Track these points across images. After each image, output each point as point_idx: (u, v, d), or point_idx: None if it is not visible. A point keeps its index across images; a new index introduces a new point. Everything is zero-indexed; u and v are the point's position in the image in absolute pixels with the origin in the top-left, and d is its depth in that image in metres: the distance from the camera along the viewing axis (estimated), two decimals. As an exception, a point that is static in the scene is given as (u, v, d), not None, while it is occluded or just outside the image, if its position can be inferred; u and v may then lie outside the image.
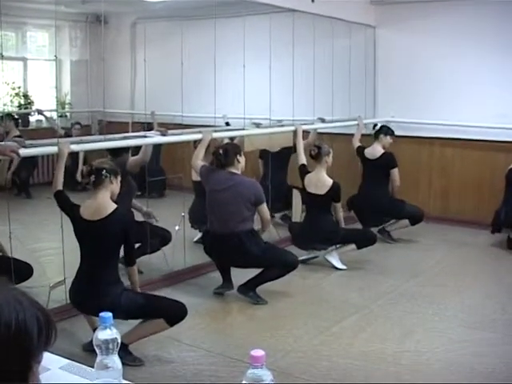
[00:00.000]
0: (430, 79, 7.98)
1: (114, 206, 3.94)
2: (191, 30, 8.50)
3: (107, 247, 3.93)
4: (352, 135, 7.49)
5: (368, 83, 8.32)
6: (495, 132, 7.48)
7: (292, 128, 6.84)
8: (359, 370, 4.00)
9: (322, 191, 6.04)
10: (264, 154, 7.50)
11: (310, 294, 5.53)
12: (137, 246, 5.38)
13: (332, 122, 7.75)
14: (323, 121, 7.67)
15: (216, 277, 5.50)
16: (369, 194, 7.01)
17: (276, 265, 5.16)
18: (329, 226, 6.09)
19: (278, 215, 7.64)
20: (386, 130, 7.22)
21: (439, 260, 6.53)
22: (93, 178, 3.97)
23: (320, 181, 6.06)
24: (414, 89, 8.05)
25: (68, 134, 9.11)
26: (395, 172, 7.02)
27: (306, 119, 7.51)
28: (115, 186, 4.03)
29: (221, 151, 5.18)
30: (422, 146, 8.13)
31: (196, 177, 5.99)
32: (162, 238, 5.68)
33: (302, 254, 6.25)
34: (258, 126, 7.32)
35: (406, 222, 7.05)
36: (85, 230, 3.97)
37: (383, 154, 7.06)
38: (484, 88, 7.56)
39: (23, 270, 4.67)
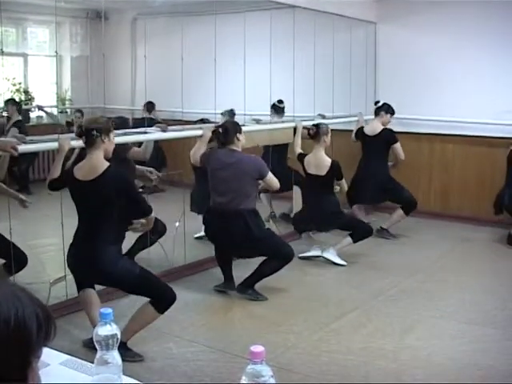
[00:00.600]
0: (431, 75, 7.97)
1: (107, 164, 3.84)
2: (191, 26, 8.49)
3: (102, 207, 3.87)
4: (352, 131, 7.51)
5: (369, 79, 8.31)
6: (496, 128, 7.48)
7: (292, 124, 6.85)
8: (359, 365, 4.01)
9: (323, 172, 6.02)
10: None
11: (309, 290, 5.53)
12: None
13: (332, 118, 7.76)
14: (323, 117, 7.67)
15: (216, 273, 5.51)
16: (369, 170, 7.00)
17: (273, 253, 5.12)
18: (331, 207, 6.07)
19: (278, 213, 7.65)
20: (387, 107, 7.21)
21: (440, 256, 6.53)
22: (84, 139, 3.90)
23: (319, 161, 6.05)
24: (414, 85, 8.05)
25: (70, 123, 9.21)
26: (398, 146, 7.04)
27: (306, 115, 7.51)
28: (108, 144, 3.91)
29: (220, 130, 5.19)
30: (423, 142, 8.13)
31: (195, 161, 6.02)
32: (158, 230, 5.65)
33: (304, 251, 6.26)
34: (257, 122, 7.32)
35: (400, 212, 7.04)
36: (79, 191, 3.92)
37: (383, 129, 7.08)
38: (485, 84, 7.55)
39: (21, 258, 4.64)
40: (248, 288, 5.22)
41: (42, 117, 10.23)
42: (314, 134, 6.11)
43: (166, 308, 3.94)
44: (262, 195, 7.48)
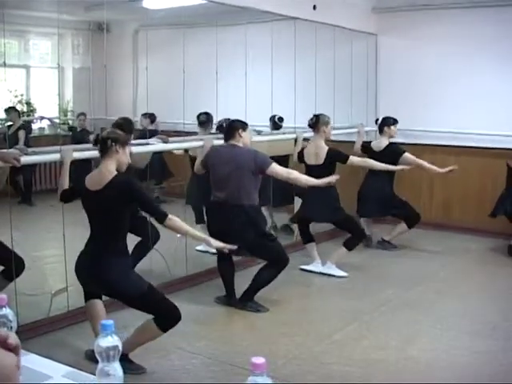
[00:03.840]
0: (432, 86, 8.00)
1: (114, 173, 3.82)
2: (193, 38, 8.52)
3: (111, 216, 3.85)
4: (353, 142, 7.51)
5: (370, 91, 8.33)
6: (498, 139, 7.49)
7: (293, 136, 6.85)
8: (360, 377, 4.00)
9: (321, 161, 6.03)
10: None
11: (311, 302, 5.54)
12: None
13: (333, 129, 7.75)
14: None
15: (218, 285, 5.50)
16: (374, 185, 6.94)
17: (269, 255, 5.10)
18: (331, 200, 6.05)
19: (279, 224, 7.65)
20: (387, 120, 7.15)
21: (441, 267, 6.53)
22: (99, 147, 3.91)
23: (318, 150, 6.06)
24: (415, 96, 8.07)
25: (73, 128, 9.34)
26: (408, 156, 6.90)
27: (307, 127, 7.51)
28: (122, 155, 3.88)
29: (224, 124, 5.22)
30: (424, 153, 8.11)
31: (194, 152, 6.02)
32: (154, 236, 5.61)
33: (306, 262, 6.26)
34: (259, 133, 7.33)
35: (403, 226, 7.04)
36: (88, 201, 3.91)
37: (388, 145, 7.05)
38: (486, 95, 7.57)
39: (19, 264, 4.58)
40: (248, 301, 5.21)
41: (44, 128, 10.26)
42: (313, 123, 6.11)
43: (170, 327, 3.90)
44: (262, 208, 7.50)
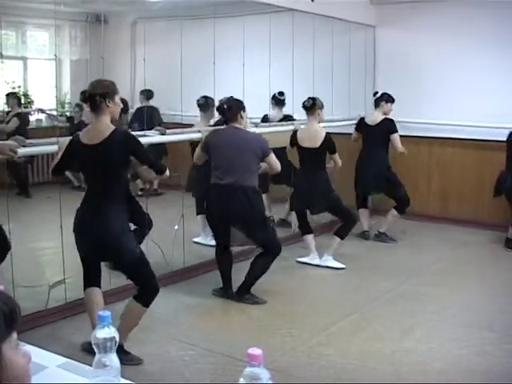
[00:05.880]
0: (430, 79, 7.99)
1: (113, 128, 3.81)
2: (191, 30, 8.50)
3: (109, 170, 3.83)
4: (351, 134, 7.51)
5: (368, 83, 8.31)
6: (495, 132, 7.47)
7: (292, 127, 6.84)
8: (357, 369, 4.01)
9: (317, 144, 6.03)
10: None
11: (308, 294, 5.54)
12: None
13: (331, 121, 7.75)
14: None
15: (215, 276, 5.50)
16: (369, 159, 7.01)
17: (264, 241, 5.12)
18: (323, 184, 6.07)
19: (276, 218, 7.61)
20: (386, 97, 7.19)
21: (438, 259, 6.54)
22: (89, 105, 3.89)
23: (313, 133, 6.06)
24: (413, 88, 8.05)
25: (70, 118, 9.38)
26: (396, 137, 7.02)
27: (305, 118, 7.49)
28: (113, 107, 3.85)
29: (225, 106, 5.20)
30: (422, 145, 8.14)
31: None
32: (147, 222, 5.55)
33: (302, 255, 6.26)
34: (256, 125, 7.31)
35: (393, 212, 7.07)
36: (85, 155, 3.87)
37: (384, 119, 7.08)
38: (484, 87, 7.56)
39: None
40: (245, 294, 5.22)
41: (41, 120, 10.25)
42: (311, 105, 6.07)
43: (150, 300, 3.96)
44: (263, 196, 7.50)
